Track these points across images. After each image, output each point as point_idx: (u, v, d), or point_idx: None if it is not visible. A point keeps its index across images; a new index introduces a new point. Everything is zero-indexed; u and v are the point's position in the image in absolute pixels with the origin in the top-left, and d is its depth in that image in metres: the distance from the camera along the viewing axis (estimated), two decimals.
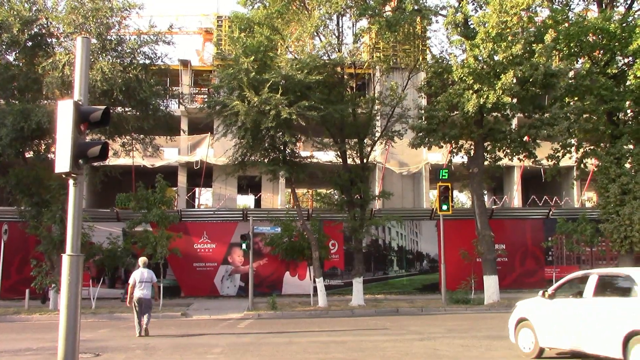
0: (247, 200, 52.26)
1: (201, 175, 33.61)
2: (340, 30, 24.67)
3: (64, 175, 7.32)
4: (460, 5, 23.25)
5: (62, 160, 7.21)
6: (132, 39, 22.76)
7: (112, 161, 24.89)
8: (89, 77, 17.79)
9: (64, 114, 7.33)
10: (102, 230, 26.19)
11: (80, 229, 7.31)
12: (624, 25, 22.61)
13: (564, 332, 10.67)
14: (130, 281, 15.66)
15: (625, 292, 9.83)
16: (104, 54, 21.81)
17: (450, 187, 24.13)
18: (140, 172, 32.11)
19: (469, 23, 23.30)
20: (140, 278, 15.43)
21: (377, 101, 25.01)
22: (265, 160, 22.74)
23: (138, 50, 22.61)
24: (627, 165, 23.57)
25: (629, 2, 24.48)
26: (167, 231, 23.75)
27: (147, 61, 23.13)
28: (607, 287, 10.47)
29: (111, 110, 22.72)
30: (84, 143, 7.59)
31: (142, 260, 16.37)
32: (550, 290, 11.48)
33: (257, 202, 40.11)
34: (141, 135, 25.01)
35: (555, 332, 10.89)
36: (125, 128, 23.51)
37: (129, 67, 21.82)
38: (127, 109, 23.37)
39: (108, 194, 32.23)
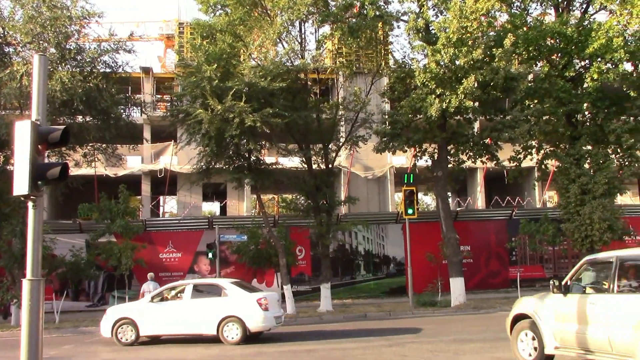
0: (212, 208, 51.88)
1: (165, 183, 33.24)
2: (303, 36, 24.66)
3: (22, 198, 7.15)
4: (421, 11, 23.49)
5: (20, 182, 7.02)
6: (92, 48, 22.41)
7: (73, 171, 24.41)
8: (48, 88, 17.48)
9: (22, 134, 7.14)
10: (64, 242, 25.68)
11: (40, 252, 7.14)
12: (580, 29, 23.13)
13: (165, 323, 15.95)
14: (141, 291, 20.16)
15: (218, 294, 16.03)
16: (63, 64, 21.43)
17: (415, 190, 24.31)
18: (103, 182, 31.60)
19: (430, 28, 23.53)
20: (147, 289, 19.81)
21: (341, 107, 25.06)
22: (230, 168, 22.57)
23: (98, 59, 22.29)
24: (586, 166, 24.10)
25: (584, 6, 25.03)
26: (132, 242, 23.42)
27: (108, 70, 22.81)
28: (202, 291, 16.40)
29: (71, 120, 22.60)
30: (43, 164, 7.41)
31: (150, 275, 21.19)
32: (150, 296, 16.72)
33: (223, 209, 39.85)
34: (103, 145, 24.63)
35: (157, 324, 16.04)
36: (87, 138, 23.12)
37: (89, 77, 21.45)
38: (88, 119, 22.98)
39: (70, 204, 31.62)
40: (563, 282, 9.85)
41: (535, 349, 10.21)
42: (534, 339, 10.25)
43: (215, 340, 15.62)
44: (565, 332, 9.54)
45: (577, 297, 9.47)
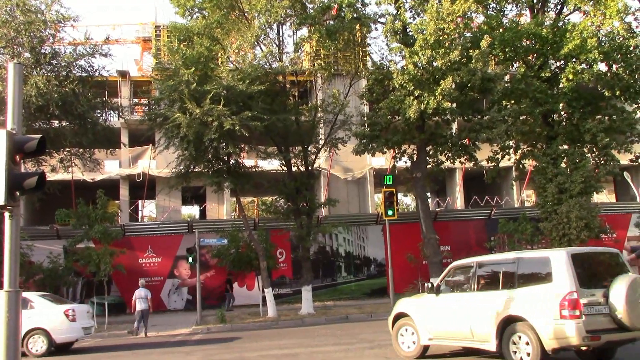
0: (191, 211, 51.59)
1: (144, 187, 32.97)
2: (281, 39, 24.69)
3: None
4: (399, 13, 23.59)
5: None
6: (67, 52, 22.14)
7: (50, 177, 24.09)
8: (23, 93, 17.24)
9: None
10: (41, 248, 25.38)
11: (17, 262, 7.03)
12: (555, 30, 23.39)
13: None
14: (134, 297, 20.47)
15: (24, 307, 14.58)
16: (38, 68, 21.15)
17: (395, 192, 24.37)
18: (81, 187, 31.25)
19: (408, 30, 23.64)
20: (139, 295, 20.40)
21: (319, 109, 25.10)
22: (210, 172, 22.46)
23: (74, 64, 22.01)
24: (563, 165, 24.37)
25: (559, 7, 25.33)
26: (111, 247, 23.19)
27: (84, 74, 22.56)
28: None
29: (47, 125, 22.32)
30: (20, 174, 7.29)
31: (141, 282, 21.37)
32: None
33: (203, 213, 39.57)
34: (80, 150, 24.36)
35: None
36: (63, 143, 22.84)
37: (65, 81, 21.20)
38: (64, 124, 22.70)
39: (47, 210, 31.23)
40: (435, 284, 11.84)
41: (413, 342, 12.04)
42: (412, 334, 12.07)
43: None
44: (438, 326, 11.55)
45: (446, 296, 11.61)
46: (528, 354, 9.74)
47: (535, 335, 9.61)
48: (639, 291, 9.57)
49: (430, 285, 11.93)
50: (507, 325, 10.10)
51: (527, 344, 9.75)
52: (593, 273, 10.25)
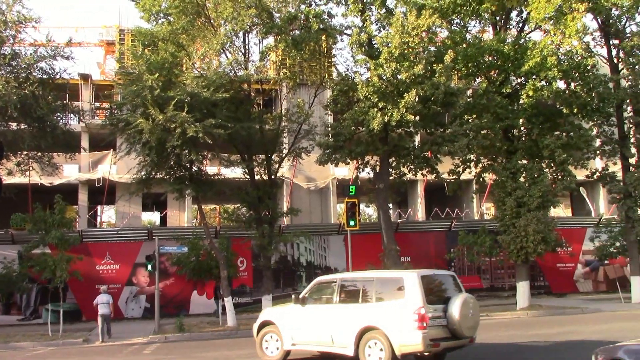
0: (152, 218, 50.92)
1: (104, 193, 32.44)
2: (247, 47, 24.61)
3: None
4: (364, 25, 23.81)
5: None
6: (28, 54, 21.70)
7: (6, 180, 23.57)
8: None
9: None
10: None
11: None
12: (517, 47, 23.87)
13: None
14: (95, 302, 20.85)
15: None
16: None
17: (357, 202, 24.48)
18: (38, 191, 30.62)
19: (373, 43, 23.86)
20: (101, 300, 20.66)
21: (284, 118, 25.07)
22: (171, 179, 22.16)
23: (34, 65, 21.58)
24: (522, 180, 24.85)
25: (520, 25, 25.92)
26: (68, 253, 22.68)
27: (45, 76, 22.12)
28: None
29: (5, 128, 21.84)
30: None
31: (102, 288, 22.07)
32: None
33: (163, 220, 39.18)
34: (38, 154, 23.85)
35: None
36: (21, 146, 22.34)
37: (24, 83, 20.74)
38: (22, 126, 22.21)
39: (2, 214, 30.49)
40: (301, 296, 13.24)
41: (277, 348, 13.41)
42: (277, 340, 13.43)
43: None
44: (302, 333, 12.99)
45: (311, 307, 13.04)
46: (380, 359, 11.39)
47: (388, 342, 11.32)
48: (469, 307, 11.77)
49: (295, 296, 13.34)
50: (364, 334, 11.74)
51: (381, 350, 11.41)
52: (436, 291, 12.10)
